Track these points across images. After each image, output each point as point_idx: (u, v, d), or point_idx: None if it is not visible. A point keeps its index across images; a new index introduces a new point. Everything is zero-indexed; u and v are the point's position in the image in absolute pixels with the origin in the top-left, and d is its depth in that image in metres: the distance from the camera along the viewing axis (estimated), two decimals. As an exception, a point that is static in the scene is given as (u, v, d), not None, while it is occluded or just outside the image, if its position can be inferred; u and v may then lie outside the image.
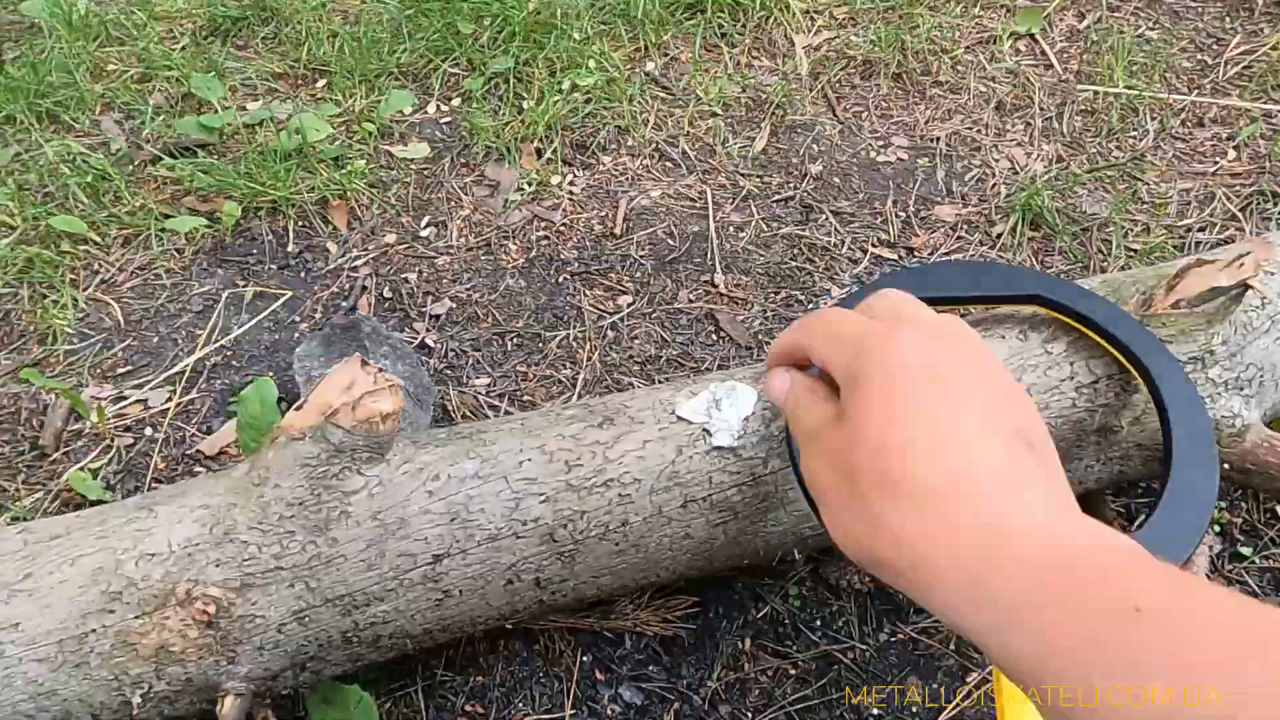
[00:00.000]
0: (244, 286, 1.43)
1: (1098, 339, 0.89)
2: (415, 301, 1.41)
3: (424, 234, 1.52)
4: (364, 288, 1.43)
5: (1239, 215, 1.53)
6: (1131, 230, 1.51)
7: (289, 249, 1.49)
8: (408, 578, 0.84)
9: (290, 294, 1.42)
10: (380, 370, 0.85)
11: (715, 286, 1.43)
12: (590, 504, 0.86)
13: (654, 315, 1.39)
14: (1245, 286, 0.89)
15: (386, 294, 1.42)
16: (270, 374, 1.31)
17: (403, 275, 1.45)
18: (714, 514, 0.88)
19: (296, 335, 1.36)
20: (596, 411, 0.92)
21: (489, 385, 1.29)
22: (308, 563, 0.82)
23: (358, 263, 1.47)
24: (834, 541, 0.48)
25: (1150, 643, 0.32)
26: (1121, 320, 0.88)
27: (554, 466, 0.87)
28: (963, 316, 1.18)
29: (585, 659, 1.01)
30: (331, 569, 0.83)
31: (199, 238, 1.48)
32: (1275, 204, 1.53)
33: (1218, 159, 1.64)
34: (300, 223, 1.52)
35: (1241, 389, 0.92)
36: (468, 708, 0.98)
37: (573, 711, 0.98)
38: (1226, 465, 0.92)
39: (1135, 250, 1.47)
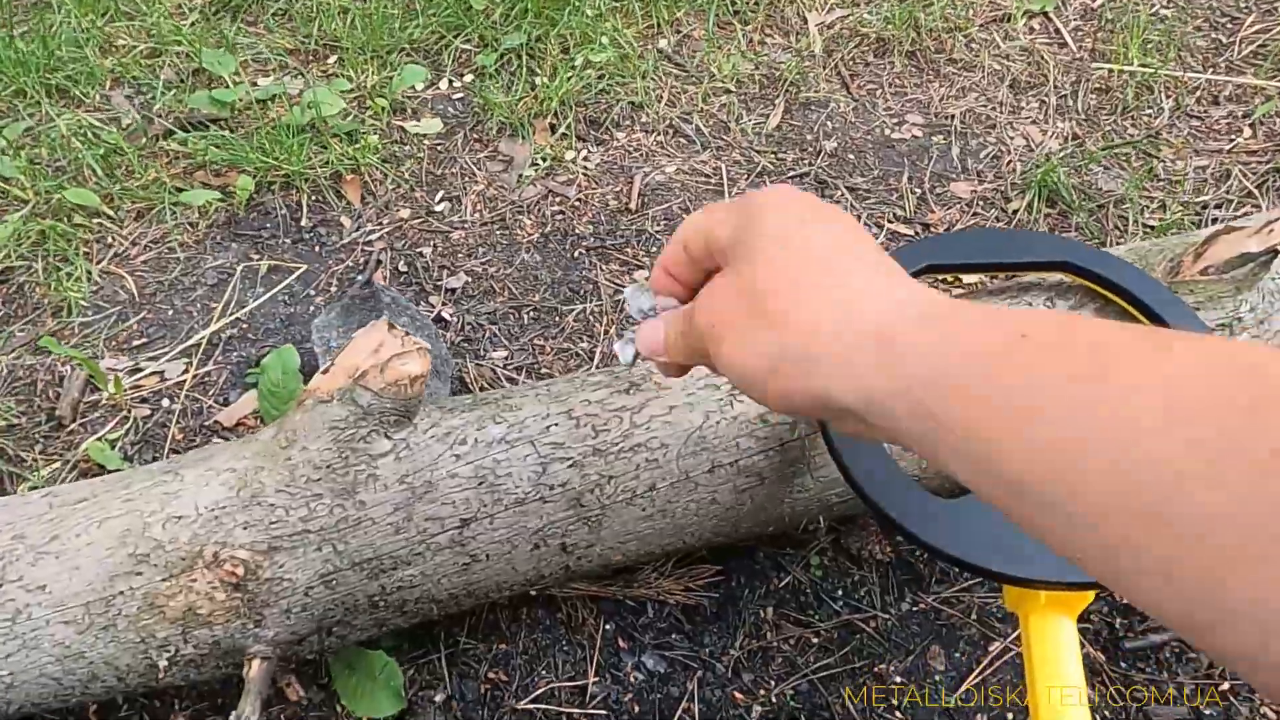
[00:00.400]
0: (258, 260, 1.42)
1: (1125, 305, 0.89)
2: (430, 275, 1.41)
3: (438, 209, 1.51)
4: (379, 262, 1.43)
5: (1255, 192, 1.53)
6: (1148, 207, 1.51)
7: (303, 223, 1.48)
8: (435, 541, 0.84)
9: (305, 268, 1.41)
10: (407, 334, 0.85)
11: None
12: (618, 468, 0.86)
13: (670, 289, 1.38)
14: (1275, 253, 0.89)
15: (402, 268, 1.42)
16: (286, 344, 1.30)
17: (417, 249, 1.44)
18: (741, 479, 0.88)
19: (312, 308, 1.35)
20: (622, 378, 0.91)
21: (506, 358, 1.29)
22: (335, 525, 0.82)
23: (372, 237, 1.46)
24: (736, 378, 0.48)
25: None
26: (1150, 286, 0.88)
27: (581, 431, 0.87)
28: (990, 282, 1.18)
29: (608, 627, 1.01)
30: (359, 532, 0.82)
31: (212, 211, 1.47)
32: (1292, 181, 1.53)
33: (1233, 136, 1.63)
34: (314, 197, 1.51)
35: (1269, 356, 0.91)
36: (491, 675, 0.98)
37: (596, 679, 0.98)
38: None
39: (1152, 226, 1.47)
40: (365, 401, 0.82)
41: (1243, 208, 1.50)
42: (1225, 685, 0.97)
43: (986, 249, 0.93)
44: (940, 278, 1.34)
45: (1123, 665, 0.99)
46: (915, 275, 0.92)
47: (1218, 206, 1.51)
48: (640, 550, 0.91)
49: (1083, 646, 1.01)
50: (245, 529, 0.81)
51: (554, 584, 0.92)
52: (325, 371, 0.85)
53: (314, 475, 0.82)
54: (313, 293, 1.39)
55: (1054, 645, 0.75)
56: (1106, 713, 0.96)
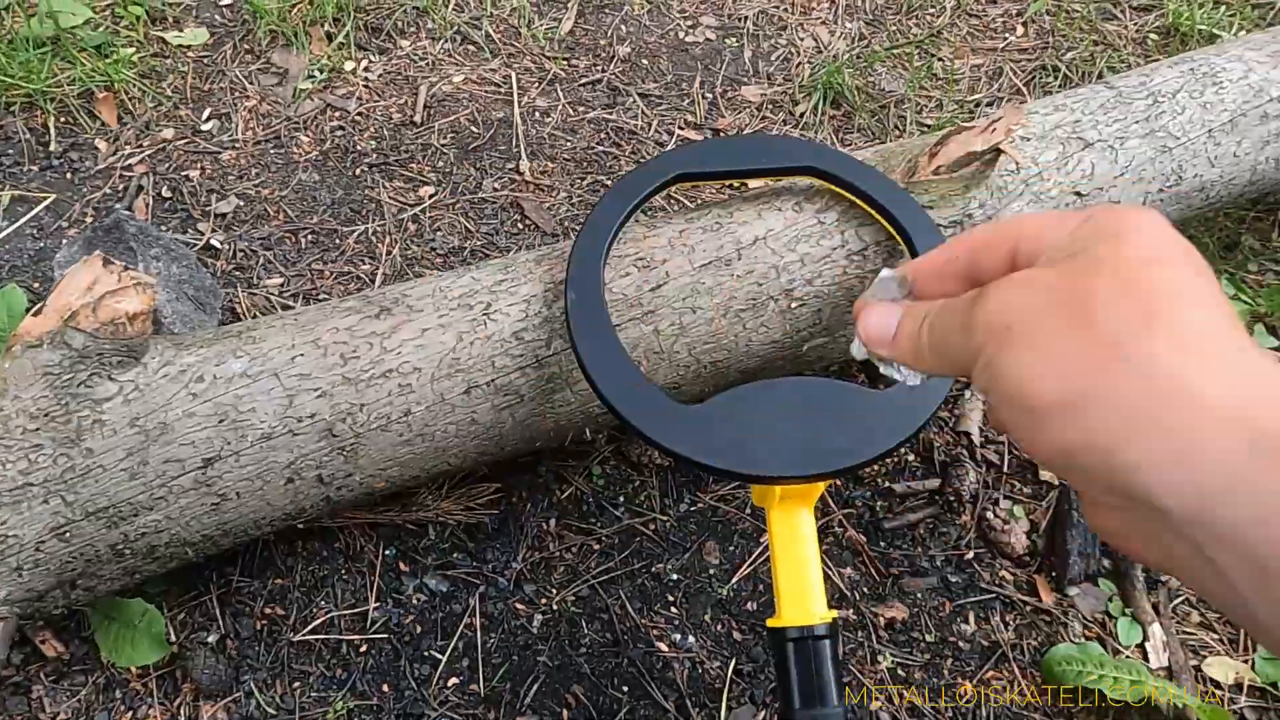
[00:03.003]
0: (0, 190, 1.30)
1: (865, 207, 0.92)
2: (199, 200, 1.32)
3: (206, 128, 1.41)
4: (140, 187, 1.33)
5: (1024, 90, 1.60)
6: (926, 106, 1.56)
7: (51, 148, 1.35)
8: (177, 484, 0.81)
9: (55, 197, 1.30)
10: (126, 268, 0.79)
11: (521, 174, 1.40)
12: (369, 396, 0.84)
13: (457, 206, 1.35)
14: (998, 151, 0.93)
15: (166, 193, 1.33)
16: (35, 284, 1.21)
17: (183, 173, 1.35)
18: (499, 398, 0.88)
19: (65, 242, 1.25)
20: (374, 302, 0.89)
21: (282, 285, 1.24)
22: (61, 476, 0.77)
23: (132, 161, 1.36)
24: (1013, 386, 0.35)
25: None
26: (886, 188, 0.91)
27: (329, 360, 0.84)
28: (744, 189, 1.20)
29: (388, 552, 1.01)
30: (90, 481, 0.78)
31: (-59, 138, 1.33)
32: (1056, 77, 1.61)
33: (1007, 35, 1.70)
34: (62, 119, 1.39)
35: (997, 250, 0.97)
36: (267, 610, 0.96)
37: (377, 604, 0.98)
38: (984, 322, 0.98)
39: (929, 125, 1.52)
40: (79, 344, 0.77)
41: (1009, 104, 1.57)
42: (970, 554, 1.06)
43: (735, 157, 0.94)
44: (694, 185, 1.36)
45: (881, 544, 1.07)
46: (667, 184, 0.93)
47: (989, 104, 1.57)
48: (404, 475, 0.90)
49: (845, 529, 1.08)
50: (-43, 487, 0.76)
51: (318, 515, 0.91)
52: (36, 314, 0.79)
53: (30, 425, 0.77)
54: (65, 224, 1.28)
55: (793, 532, 0.79)
56: (865, 588, 1.04)
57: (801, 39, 1.66)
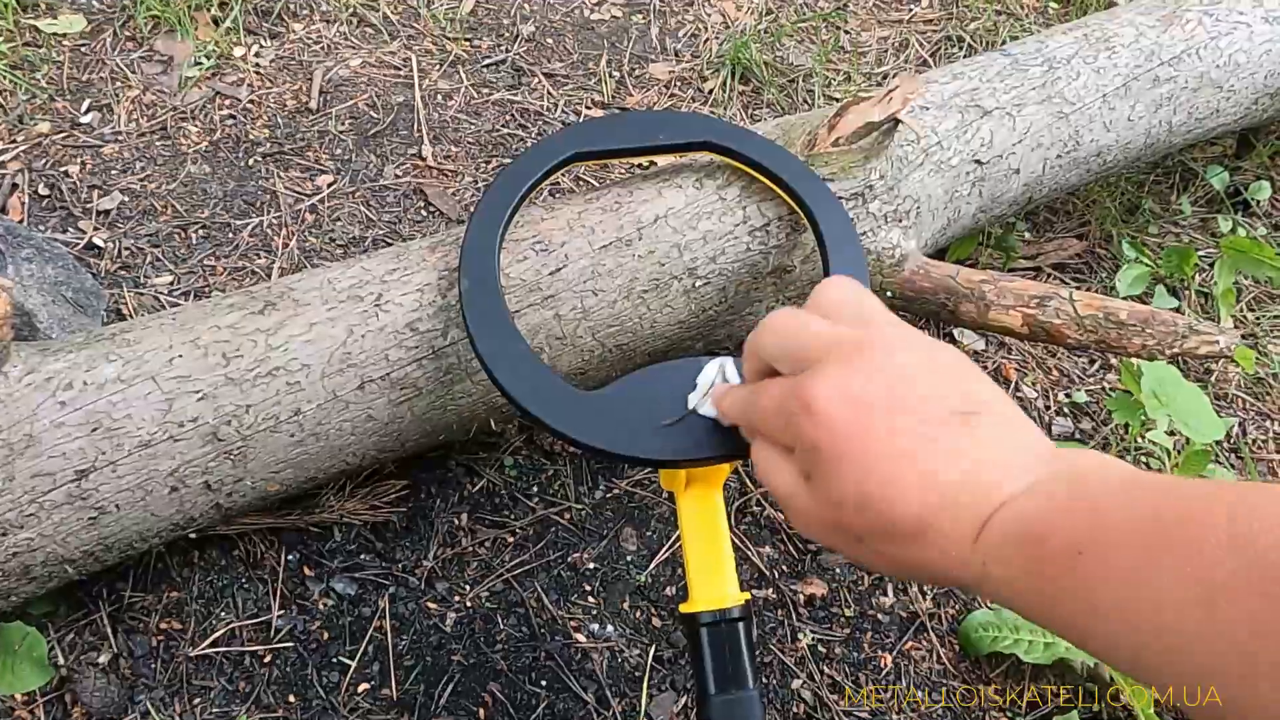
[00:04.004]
0: None
1: (767, 182, 0.91)
2: (79, 197, 1.25)
3: (85, 120, 1.33)
4: (14, 185, 1.25)
5: (930, 60, 1.61)
6: (834, 80, 1.55)
7: (-86, 146, 1.27)
8: (49, 499, 0.76)
9: (-81, 199, 1.22)
10: (-21, 272, 0.74)
11: (423, 159, 1.36)
12: (255, 396, 0.80)
13: (357, 194, 1.30)
14: (896, 121, 0.92)
15: (43, 191, 1.25)
16: (-100, 293, 1.13)
17: (62, 169, 1.28)
18: (395, 392, 0.84)
19: (-69, 246, 1.17)
20: (258, 297, 0.85)
21: (171, 283, 1.18)
22: (-84, 497, 0.72)
23: (4, 157, 1.28)
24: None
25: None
26: (786, 162, 0.90)
27: (210, 360, 0.80)
28: (645, 168, 1.18)
29: (290, 557, 0.97)
30: (-51, 501, 0.73)
31: None
32: (960, 47, 1.62)
33: (912, 6, 1.70)
34: (-74, 114, 1.30)
35: (900, 220, 0.97)
36: (163, 625, 0.92)
37: (281, 612, 0.94)
38: (889, 294, 0.97)
39: (837, 99, 1.52)
40: (-73, 354, 0.71)
41: (904, 73, 1.58)
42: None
43: (631, 134, 0.91)
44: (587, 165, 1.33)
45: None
46: (563, 164, 0.90)
47: (896, 75, 1.57)
48: (300, 477, 0.86)
49: (763, 509, 1.07)
50: None
51: (210, 524, 0.86)
52: (-120, 324, 0.73)
53: (-122, 444, 0.71)
54: (-67, 227, 1.20)
55: (702, 515, 0.77)
56: (784, 567, 1.03)
57: (709, 15, 1.64)
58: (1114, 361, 1.26)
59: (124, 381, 0.78)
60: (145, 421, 0.78)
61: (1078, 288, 1.17)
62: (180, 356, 0.79)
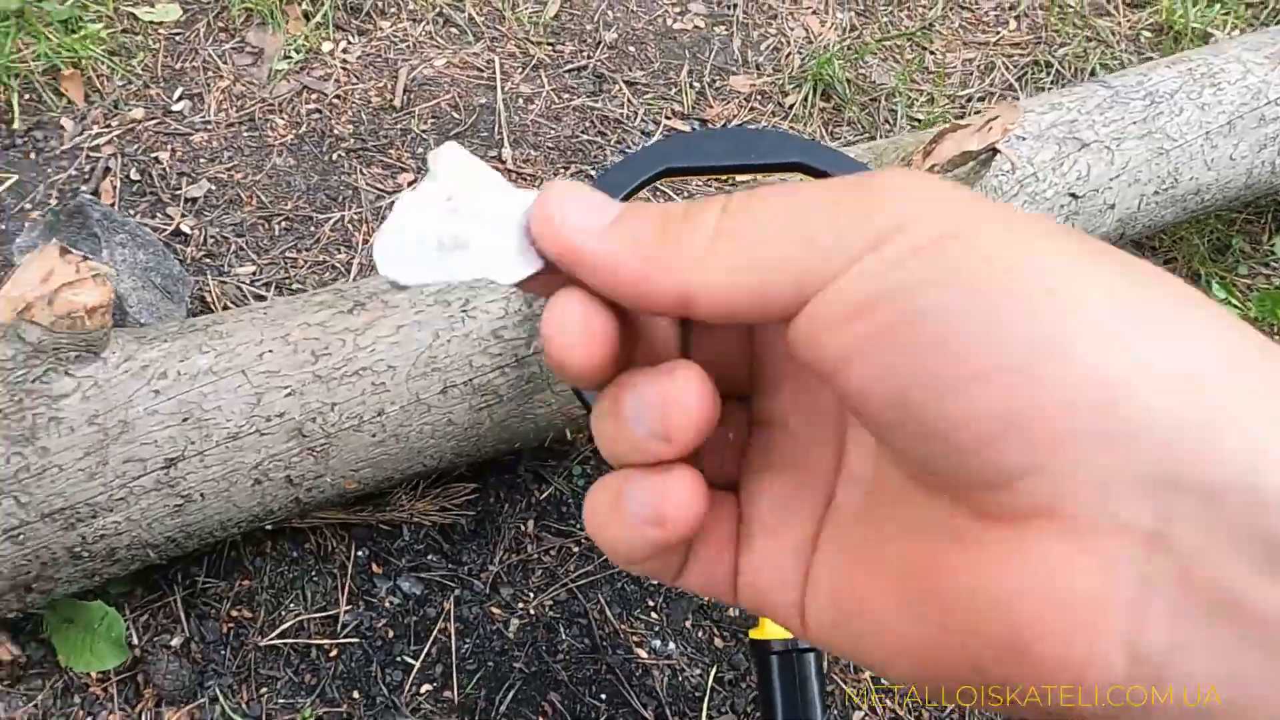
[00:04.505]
0: (-41, 170, 1.25)
1: (858, 206, 0.90)
2: (168, 184, 1.28)
3: (177, 108, 1.36)
4: (107, 169, 1.28)
5: (1016, 85, 1.58)
6: (917, 100, 1.53)
7: (14, 127, 1.30)
8: (138, 485, 0.77)
9: (16, 177, 1.25)
10: (85, 259, 0.75)
11: (503, 162, 1.36)
12: (341, 395, 0.81)
13: (437, 194, 1.31)
14: (994, 151, 0.91)
15: (134, 176, 1.28)
16: (-4, 269, 1.16)
17: (153, 155, 1.30)
18: (476, 398, 0.85)
19: (26, 225, 1.21)
20: (348, 296, 0.86)
21: (254, 274, 1.20)
22: (14, 475, 0.74)
23: (99, 141, 1.31)
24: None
25: None
26: (879, 186, 0.89)
27: (299, 357, 0.81)
28: (730, 185, 1.18)
29: (360, 554, 0.97)
30: (45, 481, 0.75)
31: (-102, 114, 1.28)
32: (1049, 73, 1.59)
33: (999, 29, 1.67)
34: (26, 95, 1.33)
35: (991, 252, 0.95)
36: (234, 613, 0.93)
37: (348, 607, 0.95)
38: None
39: (919, 120, 1.50)
40: (34, 338, 0.73)
41: (1003, 101, 1.55)
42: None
43: (724, 150, 0.91)
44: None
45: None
46: (654, 179, 0.90)
47: (981, 99, 1.55)
48: (378, 476, 0.87)
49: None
50: (-97, 487, 0.72)
51: (288, 517, 0.87)
52: (-11, 305, 0.75)
53: (-18, 422, 0.73)
54: (29, 206, 1.23)
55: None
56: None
57: (792, 29, 1.63)
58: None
59: (215, 374, 0.79)
60: (234, 414, 0.79)
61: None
62: (271, 351, 0.80)
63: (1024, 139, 0.98)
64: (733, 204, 0.23)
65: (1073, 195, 0.99)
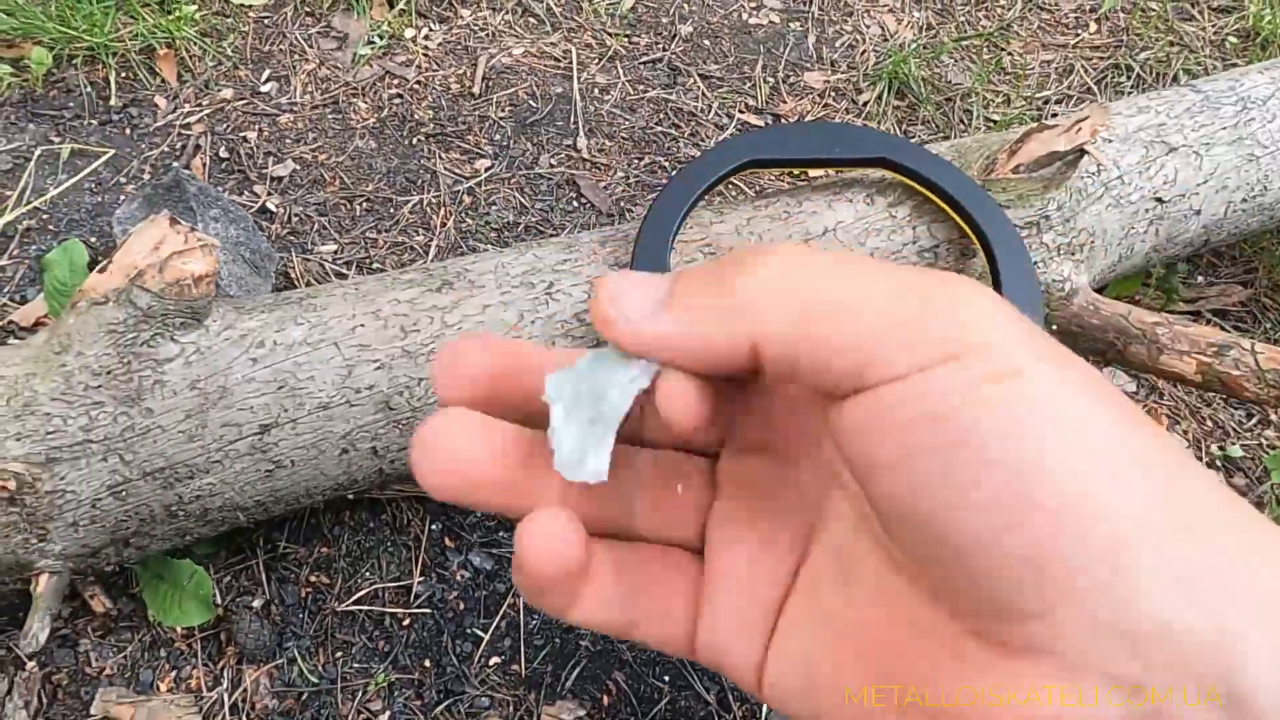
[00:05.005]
0: (60, 143, 1.30)
1: (941, 204, 0.90)
2: (255, 163, 1.32)
3: (264, 89, 1.40)
4: (198, 146, 1.32)
5: (1095, 89, 1.56)
6: (993, 101, 1.52)
7: (111, 103, 1.35)
8: (234, 449, 0.80)
9: (114, 152, 1.30)
10: (192, 229, 0.79)
11: (578, 151, 1.38)
12: (428, 370, 0.83)
13: (513, 180, 1.34)
14: (1081, 152, 0.90)
15: (223, 154, 1.32)
16: (93, 239, 1.21)
17: (241, 134, 1.34)
18: (557, 379, 0.87)
19: (122, 198, 1.25)
20: (435, 275, 0.88)
21: (335, 252, 1.23)
22: (120, 434, 0.77)
23: (190, 119, 1.35)
24: None
25: None
26: (963, 185, 0.89)
27: (389, 332, 0.83)
28: (812, 179, 1.18)
29: (434, 527, 1.00)
30: (148, 441, 0.78)
31: (3, 88, 1.33)
32: (1129, 77, 1.56)
33: (1079, 31, 1.65)
34: (123, 74, 1.38)
35: (1073, 254, 0.94)
36: (312, 578, 0.96)
37: (421, 578, 0.97)
38: (1055, 327, 0.95)
39: (995, 121, 1.49)
40: (144, 303, 0.76)
41: (1081, 104, 1.53)
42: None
43: (808, 144, 0.91)
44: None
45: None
46: (738, 170, 0.91)
47: (1058, 102, 1.53)
48: (458, 452, 0.89)
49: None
50: (18, 440, 0.76)
51: (370, 487, 0.90)
52: (102, 271, 0.78)
53: (93, 382, 0.77)
54: (123, 180, 1.28)
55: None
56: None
57: (867, 26, 1.62)
58: (1274, 417, 1.20)
59: (309, 345, 0.82)
60: (326, 385, 0.81)
61: (1255, 340, 1.12)
62: (362, 326, 0.83)
63: (1110, 141, 0.97)
64: (792, 257, 0.23)
65: (1158, 200, 0.98)
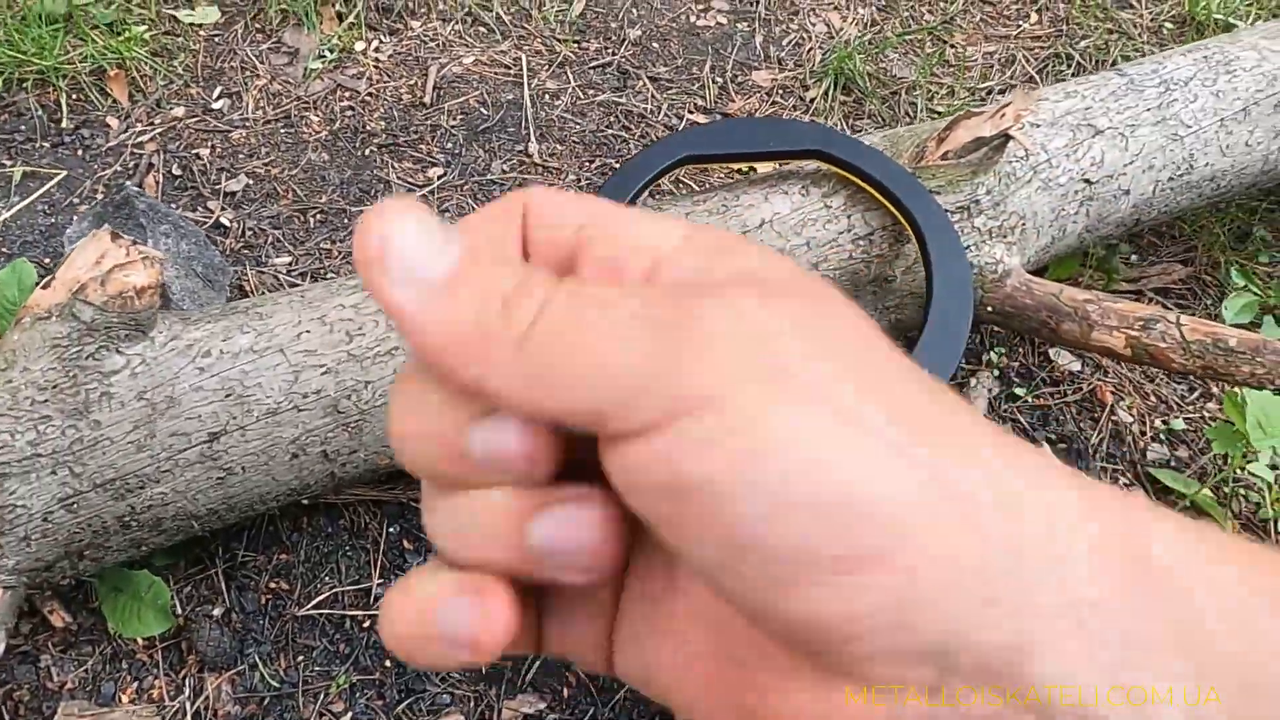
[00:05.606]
0: (11, 166, 1.30)
1: (872, 191, 0.92)
2: (208, 179, 1.33)
3: (216, 106, 1.41)
4: (150, 165, 1.33)
5: (1036, 77, 1.59)
6: (937, 93, 1.55)
7: (63, 125, 1.36)
8: (183, 457, 0.82)
9: (65, 173, 1.31)
10: (134, 243, 0.80)
11: (530, 156, 1.40)
12: (374, 373, 0.85)
13: (465, 187, 1.35)
14: (1007, 137, 0.93)
15: (176, 171, 1.33)
16: (47, 260, 1.22)
17: (194, 151, 1.35)
18: (503, 377, 0.88)
19: (75, 218, 1.26)
20: (380, 280, 0.89)
21: (290, 264, 1.24)
22: (69, 447, 0.78)
23: (143, 138, 1.36)
24: None
25: None
26: (894, 173, 0.91)
27: (334, 337, 0.85)
28: (749, 172, 1.20)
29: (392, 530, 1.01)
30: (97, 452, 0.79)
31: (-46, 113, 1.34)
32: (1070, 65, 1.60)
33: (1020, 22, 1.68)
34: (74, 95, 1.39)
35: (1004, 236, 0.97)
36: (272, 585, 0.97)
37: (380, 581, 0.98)
38: (990, 309, 0.98)
39: (939, 113, 1.52)
40: (88, 316, 0.77)
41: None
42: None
43: (743, 139, 0.94)
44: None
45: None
46: (674, 166, 0.93)
47: (1001, 92, 1.56)
48: (409, 453, 0.91)
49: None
50: (-33, 457, 0.77)
51: (323, 491, 0.91)
52: (45, 286, 0.79)
53: (39, 396, 0.78)
54: (76, 200, 1.29)
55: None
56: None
57: (813, 24, 1.65)
58: (1216, 390, 1.23)
59: (256, 352, 0.83)
60: (273, 391, 0.83)
61: (1181, 314, 1.15)
62: (308, 332, 0.84)
63: (1038, 126, 1.00)
64: (556, 299, 0.20)
65: (1087, 181, 1.01)
